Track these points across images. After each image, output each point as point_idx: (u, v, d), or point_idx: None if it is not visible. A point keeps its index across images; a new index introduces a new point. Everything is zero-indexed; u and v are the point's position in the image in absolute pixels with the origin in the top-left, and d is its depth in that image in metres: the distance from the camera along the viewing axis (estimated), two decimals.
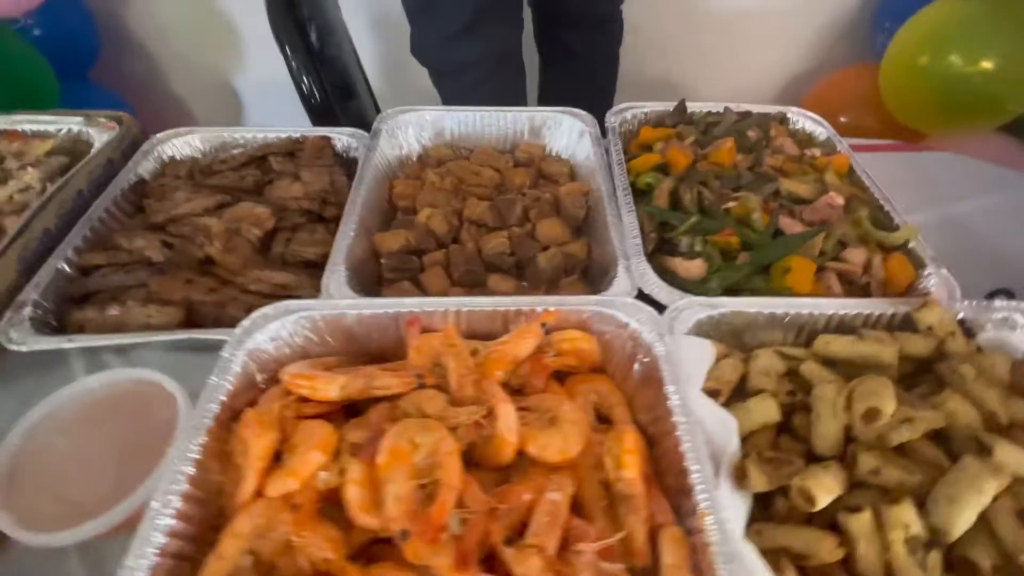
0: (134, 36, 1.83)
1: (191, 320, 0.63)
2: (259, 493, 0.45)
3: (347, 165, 0.88)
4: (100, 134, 0.84)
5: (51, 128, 0.86)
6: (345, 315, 0.58)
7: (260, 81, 2.02)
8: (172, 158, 0.88)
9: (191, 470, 0.44)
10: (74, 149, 0.84)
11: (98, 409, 0.54)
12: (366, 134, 0.90)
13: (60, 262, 0.67)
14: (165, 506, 0.42)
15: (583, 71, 1.36)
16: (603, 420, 0.53)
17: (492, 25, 1.10)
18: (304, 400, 0.52)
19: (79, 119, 0.86)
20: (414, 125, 0.91)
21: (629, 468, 0.44)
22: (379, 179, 0.81)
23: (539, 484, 0.45)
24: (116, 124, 0.85)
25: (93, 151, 0.81)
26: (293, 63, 0.99)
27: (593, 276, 0.70)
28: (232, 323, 0.64)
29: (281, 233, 0.73)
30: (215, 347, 0.63)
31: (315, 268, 0.71)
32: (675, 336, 0.53)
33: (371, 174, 0.80)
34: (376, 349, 0.61)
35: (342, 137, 0.91)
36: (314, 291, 0.67)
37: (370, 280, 0.70)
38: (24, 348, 0.58)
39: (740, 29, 1.69)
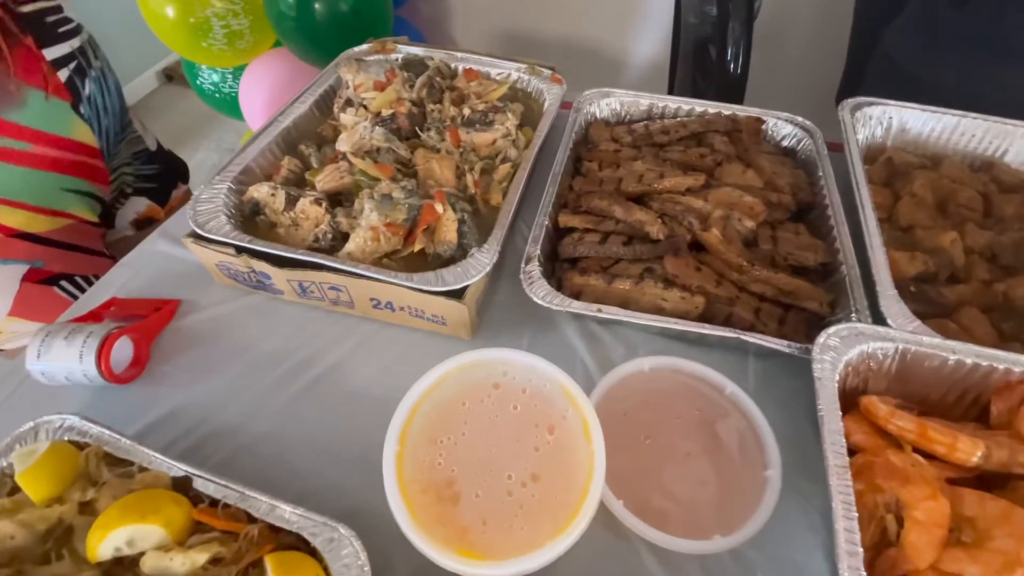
0: None
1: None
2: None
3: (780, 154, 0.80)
4: (549, 87, 0.82)
5: (491, 71, 0.86)
6: (935, 355, 0.49)
7: (542, 41, 1.99)
8: (595, 117, 0.85)
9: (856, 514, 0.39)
10: (514, 96, 0.84)
11: (652, 395, 0.51)
12: (806, 122, 0.81)
13: (545, 219, 0.66)
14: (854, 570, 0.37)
15: None
16: None
17: None
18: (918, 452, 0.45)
19: (520, 66, 0.85)
20: (874, 120, 0.79)
21: None
22: (843, 177, 0.71)
23: None
24: (561, 79, 0.83)
25: (548, 104, 0.79)
26: (734, 25, 0.90)
27: None
28: (740, 324, 0.59)
29: (762, 228, 0.66)
30: (701, 342, 0.59)
31: (798, 273, 0.64)
32: None
33: (838, 173, 0.71)
34: (919, 393, 0.53)
35: (778, 122, 0.82)
36: (818, 303, 0.60)
37: None
38: (600, 315, 0.57)
39: None
